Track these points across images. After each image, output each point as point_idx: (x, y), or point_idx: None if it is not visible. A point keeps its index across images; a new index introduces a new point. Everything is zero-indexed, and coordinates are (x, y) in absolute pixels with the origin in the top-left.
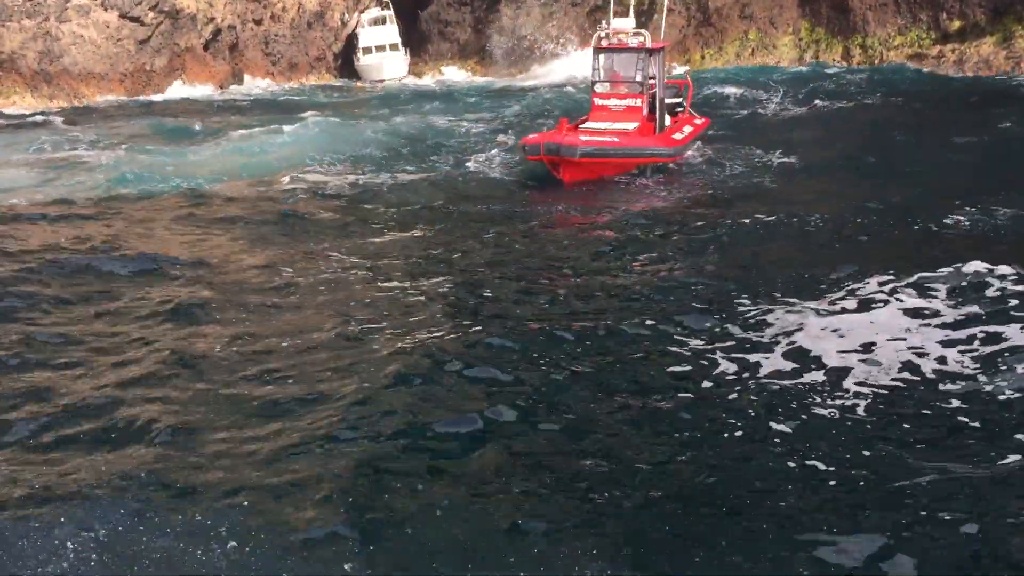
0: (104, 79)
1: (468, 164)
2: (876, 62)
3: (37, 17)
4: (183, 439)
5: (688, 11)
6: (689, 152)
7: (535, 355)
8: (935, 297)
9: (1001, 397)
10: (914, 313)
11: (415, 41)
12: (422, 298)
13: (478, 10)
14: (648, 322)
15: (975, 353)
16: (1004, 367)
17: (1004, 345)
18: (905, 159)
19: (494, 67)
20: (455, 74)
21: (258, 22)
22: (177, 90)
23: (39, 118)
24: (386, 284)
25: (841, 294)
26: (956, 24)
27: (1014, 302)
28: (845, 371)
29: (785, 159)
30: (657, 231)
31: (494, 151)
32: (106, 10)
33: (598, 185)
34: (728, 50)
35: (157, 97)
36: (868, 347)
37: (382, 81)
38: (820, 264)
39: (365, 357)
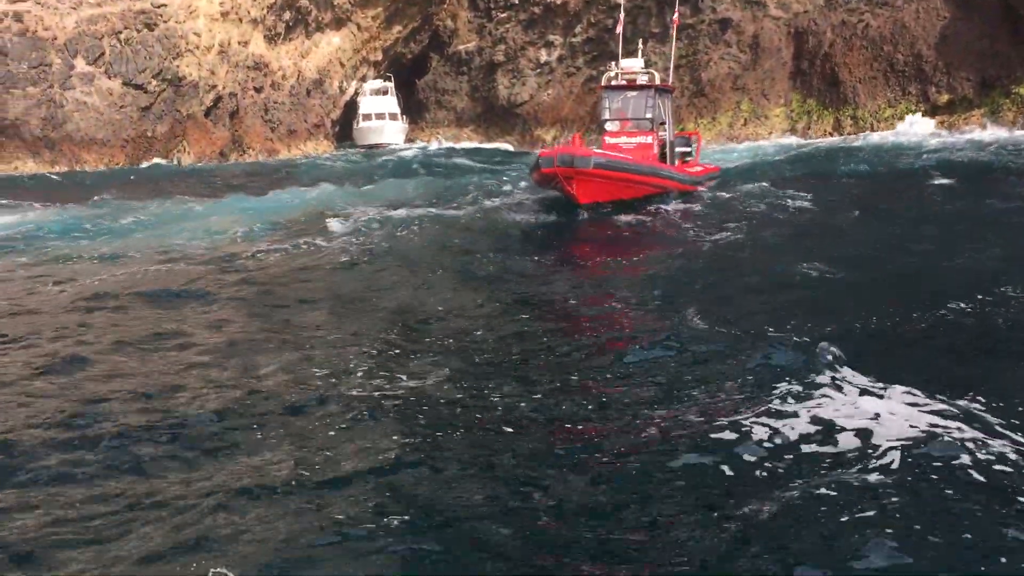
0: (106, 145)
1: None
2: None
3: (42, 84)
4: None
5: (682, 82)
6: (702, 187)
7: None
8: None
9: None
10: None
11: (412, 109)
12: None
13: (474, 79)
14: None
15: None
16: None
17: None
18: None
19: (490, 134)
20: (452, 141)
21: (258, 90)
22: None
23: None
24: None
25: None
26: (944, 97)
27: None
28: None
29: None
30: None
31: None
32: (110, 78)
33: (611, 223)
34: (721, 120)
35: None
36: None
37: (379, 146)
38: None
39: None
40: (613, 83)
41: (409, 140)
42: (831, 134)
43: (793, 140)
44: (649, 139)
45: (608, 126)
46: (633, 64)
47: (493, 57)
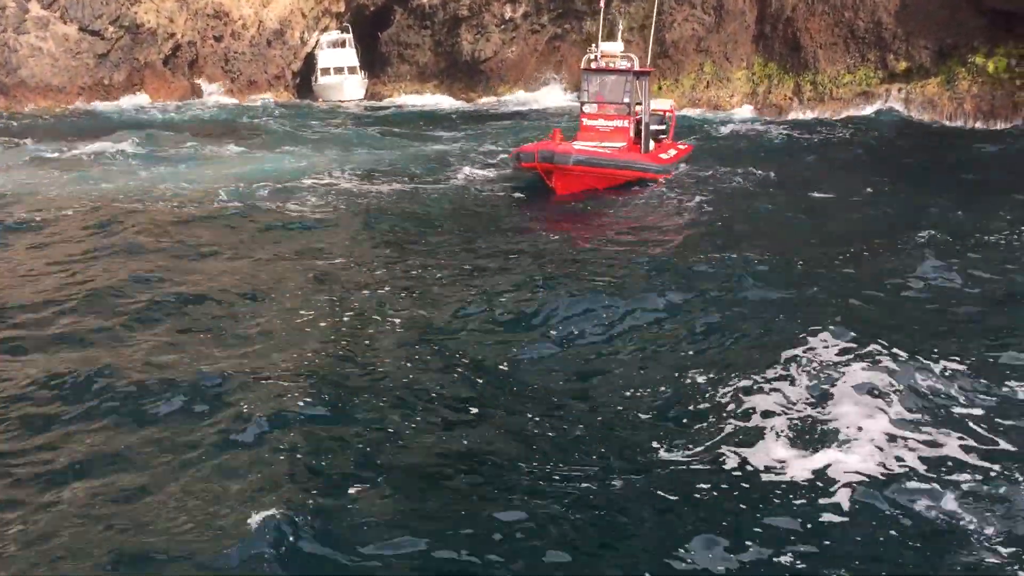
0: (62, 92)
1: (457, 177)
2: (825, 99)
3: None
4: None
5: (645, 43)
6: (675, 172)
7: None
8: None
9: None
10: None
11: (375, 63)
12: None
13: (438, 33)
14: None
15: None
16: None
17: None
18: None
19: (453, 89)
20: (415, 98)
21: (218, 39)
22: (135, 100)
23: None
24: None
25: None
26: (903, 65)
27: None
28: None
29: (765, 182)
30: (636, 261)
31: (480, 167)
32: (65, 23)
33: (586, 203)
34: (684, 82)
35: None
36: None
37: (340, 102)
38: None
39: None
40: (593, 66)
41: (373, 96)
42: (790, 99)
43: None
44: (625, 123)
45: (586, 108)
46: (613, 48)
47: (457, 12)
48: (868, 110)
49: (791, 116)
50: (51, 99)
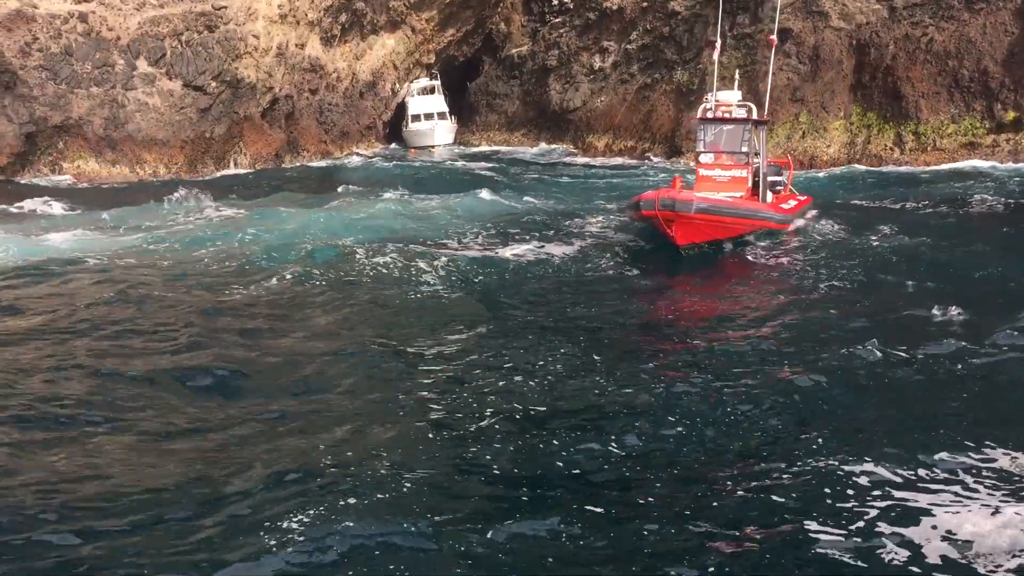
0: (166, 146)
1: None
2: (928, 149)
3: (105, 85)
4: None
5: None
6: (798, 223)
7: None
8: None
9: None
10: None
11: (463, 112)
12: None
13: (527, 83)
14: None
15: None
16: None
17: None
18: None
19: (541, 139)
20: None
21: (314, 91)
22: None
23: None
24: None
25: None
26: (1011, 115)
27: None
28: None
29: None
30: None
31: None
32: (171, 79)
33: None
34: (779, 132)
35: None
36: None
37: (430, 148)
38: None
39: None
40: (709, 115)
41: (461, 143)
42: (891, 149)
43: None
44: (744, 172)
45: (702, 158)
46: (730, 96)
47: (546, 62)
48: (975, 161)
49: (899, 168)
50: (156, 152)
